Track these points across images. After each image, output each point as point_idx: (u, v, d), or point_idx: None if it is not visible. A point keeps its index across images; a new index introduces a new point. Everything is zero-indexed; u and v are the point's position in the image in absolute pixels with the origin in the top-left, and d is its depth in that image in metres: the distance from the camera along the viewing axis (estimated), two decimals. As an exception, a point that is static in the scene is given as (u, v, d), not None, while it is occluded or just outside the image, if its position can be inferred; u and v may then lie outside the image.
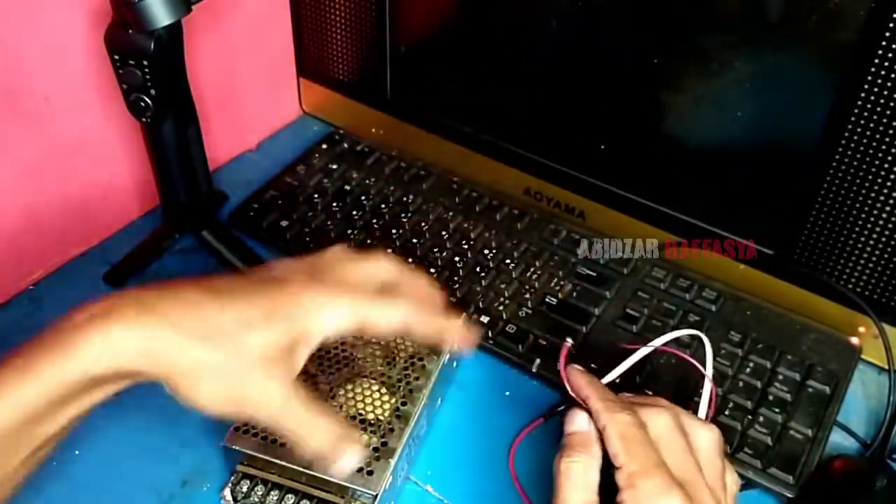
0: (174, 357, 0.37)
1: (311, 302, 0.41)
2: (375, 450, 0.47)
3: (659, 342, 0.54)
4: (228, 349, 0.38)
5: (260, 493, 0.46)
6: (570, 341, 0.47)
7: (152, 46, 0.52)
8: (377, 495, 0.46)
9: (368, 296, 0.42)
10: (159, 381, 0.38)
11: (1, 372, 0.36)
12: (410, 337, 0.51)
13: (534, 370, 0.57)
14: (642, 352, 0.53)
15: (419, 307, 0.44)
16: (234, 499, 0.46)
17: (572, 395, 0.44)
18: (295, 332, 0.40)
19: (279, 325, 0.39)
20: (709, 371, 0.50)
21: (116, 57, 0.53)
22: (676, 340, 0.57)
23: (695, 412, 0.48)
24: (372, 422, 0.49)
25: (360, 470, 0.46)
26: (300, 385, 0.40)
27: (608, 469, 0.40)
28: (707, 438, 0.42)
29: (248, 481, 0.47)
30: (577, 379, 0.44)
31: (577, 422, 0.42)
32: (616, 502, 0.38)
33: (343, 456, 0.40)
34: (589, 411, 0.42)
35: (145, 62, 0.52)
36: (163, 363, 0.37)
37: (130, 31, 0.51)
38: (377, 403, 0.49)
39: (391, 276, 0.45)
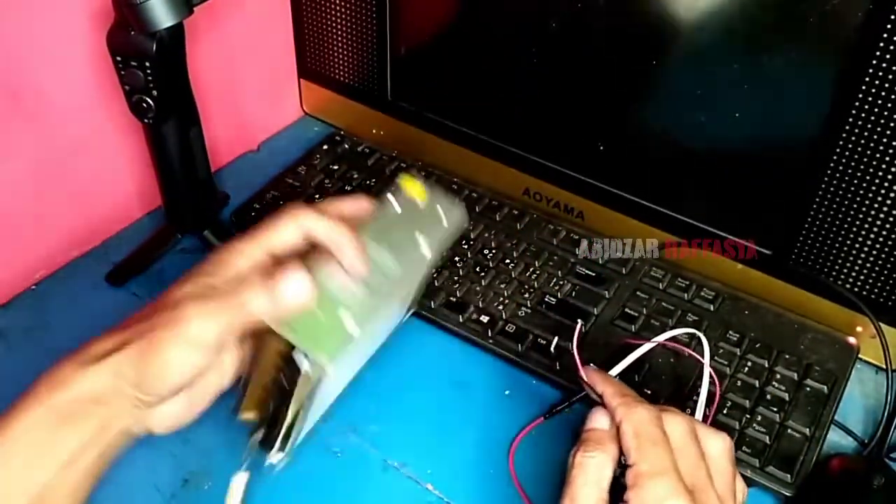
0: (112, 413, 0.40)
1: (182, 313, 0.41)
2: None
3: (660, 339, 0.54)
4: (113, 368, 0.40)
5: None
6: (580, 322, 0.47)
7: (154, 48, 0.52)
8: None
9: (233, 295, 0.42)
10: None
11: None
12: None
13: (532, 366, 0.57)
14: (645, 347, 0.53)
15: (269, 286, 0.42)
16: None
17: (588, 391, 0.44)
18: (171, 326, 0.40)
19: (151, 324, 0.41)
20: (706, 370, 0.50)
21: (118, 58, 0.53)
22: (674, 340, 0.57)
23: (693, 410, 0.49)
24: None
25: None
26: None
27: (618, 469, 0.40)
28: (718, 447, 0.42)
29: None
30: (594, 376, 0.44)
31: (598, 420, 0.42)
32: (623, 500, 0.39)
33: (284, 288, 0.41)
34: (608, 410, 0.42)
35: (147, 63, 0.53)
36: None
37: (132, 32, 0.51)
38: None
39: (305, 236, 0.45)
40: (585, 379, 0.45)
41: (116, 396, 0.40)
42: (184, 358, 0.40)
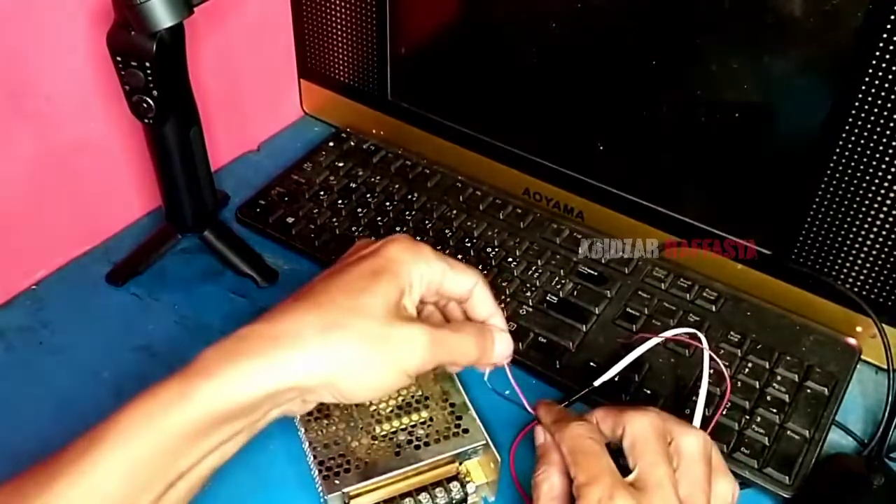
0: (318, 371, 0.40)
1: (403, 257, 0.44)
2: (451, 413, 0.50)
3: (661, 337, 0.55)
4: (357, 328, 0.40)
5: None
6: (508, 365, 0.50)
7: (154, 48, 0.52)
8: (487, 441, 0.48)
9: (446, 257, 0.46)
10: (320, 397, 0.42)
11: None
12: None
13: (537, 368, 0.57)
14: (646, 346, 0.53)
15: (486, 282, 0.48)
16: None
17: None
18: (400, 284, 0.43)
19: (385, 280, 0.42)
20: (705, 371, 0.50)
21: (119, 58, 0.53)
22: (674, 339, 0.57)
23: (692, 410, 0.49)
24: (427, 396, 0.51)
25: (456, 433, 0.49)
26: (425, 320, 0.45)
27: (619, 459, 0.42)
28: (690, 444, 0.41)
29: None
30: (539, 409, 0.48)
31: (538, 436, 0.46)
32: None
33: (495, 348, 0.47)
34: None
35: (147, 63, 0.53)
36: (311, 381, 0.40)
37: (133, 32, 0.51)
38: (412, 389, 0.51)
39: None
40: (532, 411, 0.49)
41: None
42: (391, 383, 0.42)
